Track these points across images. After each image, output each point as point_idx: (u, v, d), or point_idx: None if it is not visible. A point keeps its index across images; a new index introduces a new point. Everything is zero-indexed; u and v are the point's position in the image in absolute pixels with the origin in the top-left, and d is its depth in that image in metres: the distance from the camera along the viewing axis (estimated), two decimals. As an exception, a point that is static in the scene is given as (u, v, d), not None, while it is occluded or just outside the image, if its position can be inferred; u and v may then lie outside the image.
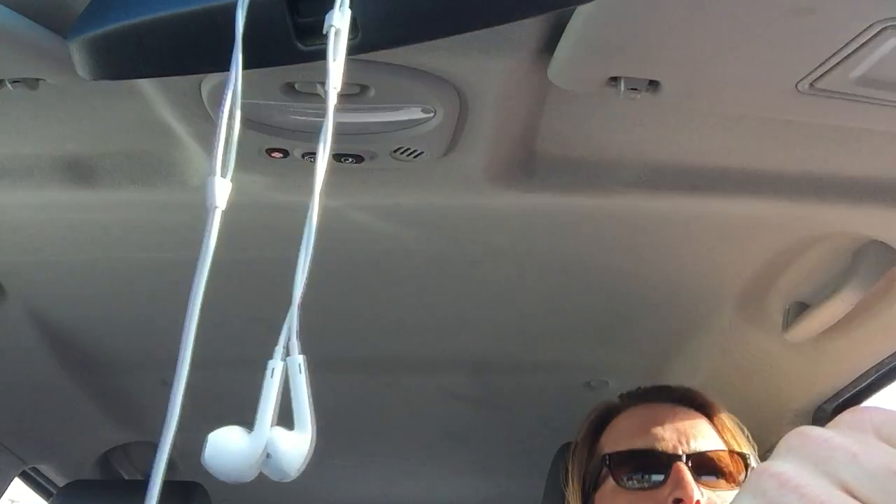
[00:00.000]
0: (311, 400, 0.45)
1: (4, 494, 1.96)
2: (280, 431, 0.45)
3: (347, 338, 1.64)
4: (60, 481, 2.12)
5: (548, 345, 1.65)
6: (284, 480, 0.45)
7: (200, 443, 0.43)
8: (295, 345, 0.46)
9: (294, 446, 0.45)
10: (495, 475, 2.48)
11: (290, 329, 0.46)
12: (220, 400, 1.98)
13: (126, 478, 2.20)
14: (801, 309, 1.38)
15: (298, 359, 0.46)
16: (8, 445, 1.90)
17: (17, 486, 2.12)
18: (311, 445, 0.45)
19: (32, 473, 2.14)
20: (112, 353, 1.65)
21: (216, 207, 0.45)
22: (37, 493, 2.23)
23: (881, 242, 1.21)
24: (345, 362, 1.76)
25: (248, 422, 0.45)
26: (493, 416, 2.04)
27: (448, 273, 1.38)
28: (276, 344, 0.45)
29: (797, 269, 1.33)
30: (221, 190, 0.46)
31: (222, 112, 0.47)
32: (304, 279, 0.47)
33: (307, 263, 0.47)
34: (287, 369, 0.46)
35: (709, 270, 1.36)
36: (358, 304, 1.51)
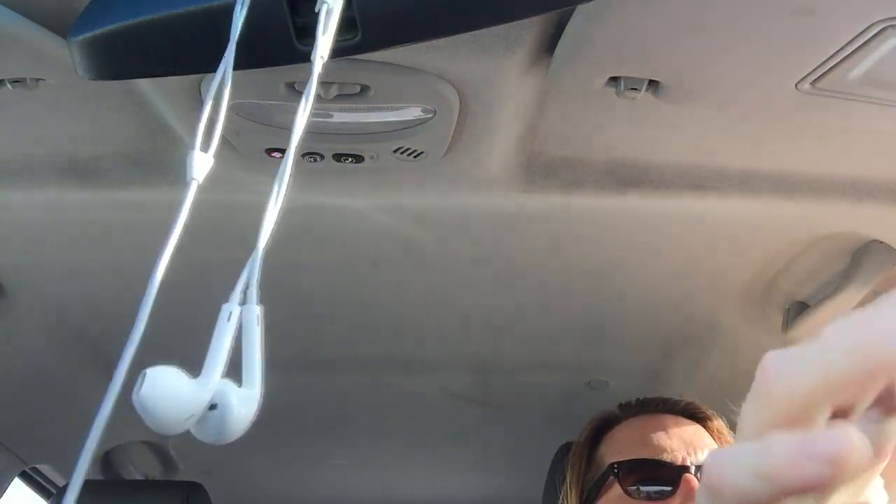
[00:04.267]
0: (263, 356, 0.41)
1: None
2: (229, 384, 0.40)
3: (348, 338, 1.64)
4: (60, 481, 2.12)
5: (548, 345, 1.65)
6: (221, 440, 0.39)
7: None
8: (254, 294, 0.42)
9: (243, 402, 0.39)
10: (495, 475, 2.48)
11: (250, 275, 0.42)
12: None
13: (126, 478, 2.20)
14: (801, 309, 1.38)
15: (257, 309, 0.42)
16: (8, 445, 1.90)
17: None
18: (257, 406, 0.40)
19: (32, 473, 2.14)
20: (112, 352, 1.65)
21: (193, 180, 0.44)
22: (37, 493, 2.23)
23: (881, 242, 1.21)
24: (345, 362, 1.76)
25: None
26: (493, 416, 2.04)
27: (448, 273, 1.38)
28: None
29: (797, 269, 1.33)
30: (200, 164, 0.44)
31: (211, 87, 0.46)
32: (272, 227, 0.44)
33: (278, 206, 0.44)
34: (243, 318, 0.41)
35: (709, 270, 1.36)
36: (358, 305, 1.51)
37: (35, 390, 1.74)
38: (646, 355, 1.68)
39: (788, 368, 0.30)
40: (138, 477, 2.19)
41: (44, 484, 2.20)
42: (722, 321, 1.49)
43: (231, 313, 0.41)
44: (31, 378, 1.69)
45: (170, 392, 0.38)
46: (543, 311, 1.51)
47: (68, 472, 2.09)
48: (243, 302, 0.42)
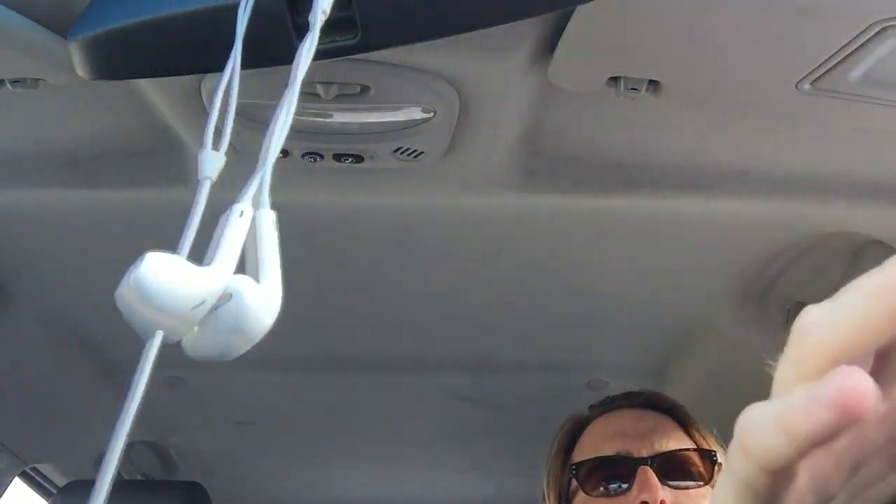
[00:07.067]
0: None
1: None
2: (247, 278, 0.34)
3: (347, 338, 1.64)
4: (60, 481, 2.12)
5: (548, 345, 1.65)
6: (233, 345, 0.33)
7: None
8: (266, 199, 0.39)
9: (263, 297, 0.34)
10: (495, 475, 2.48)
11: (262, 180, 0.38)
12: (222, 401, 1.99)
13: (126, 478, 2.20)
14: (801, 309, 1.38)
15: (272, 213, 0.39)
16: (8, 445, 1.89)
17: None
18: (278, 312, 0.35)
19: (32, 473, 2.14)
20: (112, 352, 1.65)
21: (206, 178, 0.41)
22: (37, 493, 2.23)
23: (881, 242, 1.21)
24: (345, 362, 1.76)
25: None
26: (493, 416, 2.04)
27: (448, 273, 1.38)
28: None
29: (797, 269, 1.33)
30: (212, 162, 0.42)
31: (218, 86, 0.45)
32: (285, 131, 0.41)
33: (289, 118, 0.41)
34: (258, 220, 0.37)
35: (709, 270, 1.36)
36: (358, 304, 1.51)
37: (35, 390, 1.74)
38: (646, 355, 1.68)
39: (820, 318, 0.29)
40: (138, 477, 2.18)
41: (44, 484, 2.19)
42: (722, 321, 1.49)
43: (243, 212, 0.37)
44: (31, 378, 1.69)
45: (176, 273, 0.31)
46: (543, 310, 1.51)
47: (68, 472, 2.09)
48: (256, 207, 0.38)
